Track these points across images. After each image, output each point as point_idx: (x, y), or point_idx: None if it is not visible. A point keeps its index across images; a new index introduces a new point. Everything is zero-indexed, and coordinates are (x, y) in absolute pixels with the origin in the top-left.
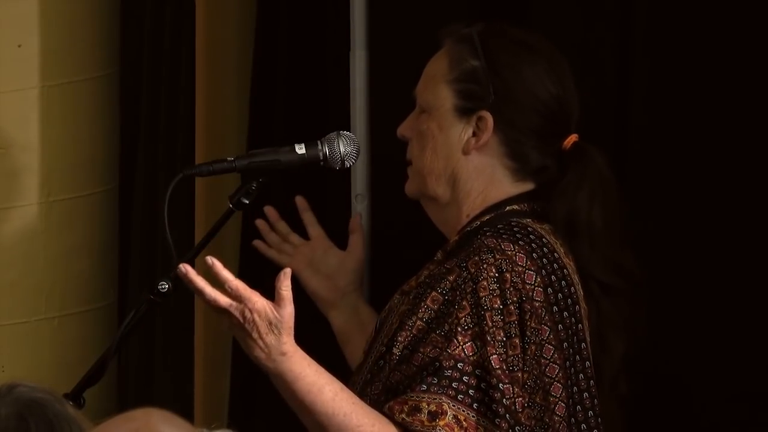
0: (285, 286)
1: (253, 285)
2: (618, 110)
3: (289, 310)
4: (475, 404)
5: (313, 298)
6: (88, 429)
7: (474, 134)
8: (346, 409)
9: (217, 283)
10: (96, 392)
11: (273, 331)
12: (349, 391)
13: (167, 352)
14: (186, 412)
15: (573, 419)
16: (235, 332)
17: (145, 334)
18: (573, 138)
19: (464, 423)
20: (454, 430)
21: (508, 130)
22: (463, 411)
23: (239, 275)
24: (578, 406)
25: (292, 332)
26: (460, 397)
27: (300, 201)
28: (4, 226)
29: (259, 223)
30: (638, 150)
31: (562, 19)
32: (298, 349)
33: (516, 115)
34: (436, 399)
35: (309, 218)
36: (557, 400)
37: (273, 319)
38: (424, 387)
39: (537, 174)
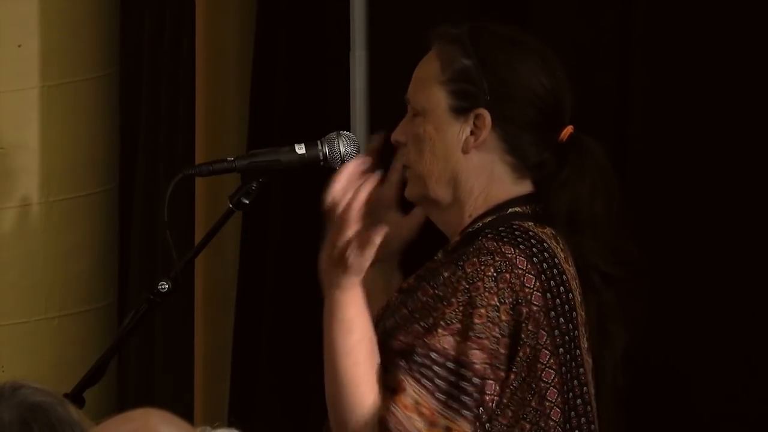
0: (373, 239)
1: (252, 284)
2: (618, 110)
3: (363, 259)
4: (438, 393)
5: None
6: (89, 431)
7: (472, 133)
8: (358, 358)
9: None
10: (96, 392)
11: (341, 265)
12: (375, 349)
13: (167, 352)
14: (186, 413)
15: (568, 425)
16: (326, 239)
17: (145, 335)
18: (569, 129)
19: (423, 408)
20: (407, 409)
21: (506, 126)
22: (425, 396)
23: (239, 275)
24: (572, 412)
25: (358, 279)
26: (424, 381)
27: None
28: (4, 226)
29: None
30: (638, 149)
31: (562, 19)
32: (358, 292)
33: (512, 110)
34: (401, 378)
35: (397, 166)
36: (553, 405)
37: (348, 257)
38: (392, 368)
39: (536, 168)
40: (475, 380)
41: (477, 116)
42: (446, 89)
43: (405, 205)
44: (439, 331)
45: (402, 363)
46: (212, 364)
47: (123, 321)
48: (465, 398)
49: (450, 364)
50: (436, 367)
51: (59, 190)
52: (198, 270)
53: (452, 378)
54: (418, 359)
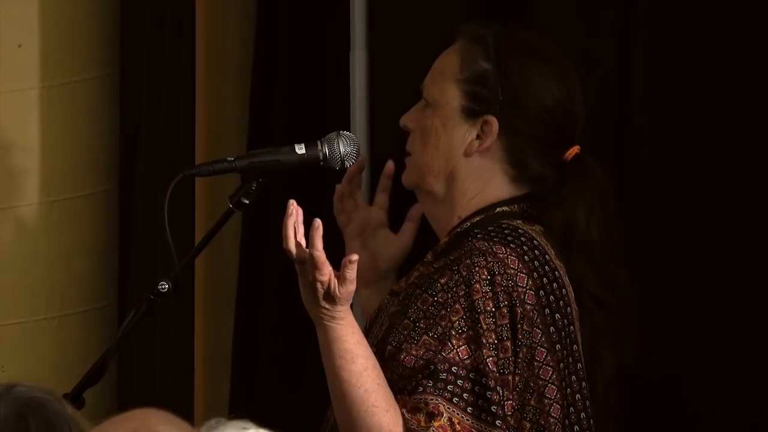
0: (350, 270)
1: (252, 284)
2: (618, 113)
3: (350, 288)
4: (469, 408)
5: None
6: (87, 429)
7: (478, 137)
8: (368, 386)
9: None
10: (96, 392)
11: (330, 300)
12: (381, 373)
13: (167, 352)
14: (186, 412)
15: (567, 421)
16: (303, 282)
17: (145, 335)
18: (575, 150)
19: (457, 426)
20: (444, 430)
21: (512, 137)
22: (458, 414)
23: (239, 275)
24: (571, 408)
25: (349, 304)
26: (455, 400)
27: (389, 165)
28: (4, 226)
29: (357, 166)
30: (638, 153)
31: (562, 20)
32: (351, 318)
33: (521, 122)
34: (433, 400)
35: (385, 184)
36: (552, 402)
37: (333, 292)
38: (421, 389)
39: (535, 182)
40: (498, 388)
41: (485, 122)
42: (461, 88)
43: (395, 223)
44: (453, 341)
45: (429, 384)
46: (212, 364)
47: (123, 321)
48: (493, 408)
49: (472, 375)
50: (460, 381)
51: (59, 190)
52: (198, 270)
53: (477, 389)
54: (443, 376)
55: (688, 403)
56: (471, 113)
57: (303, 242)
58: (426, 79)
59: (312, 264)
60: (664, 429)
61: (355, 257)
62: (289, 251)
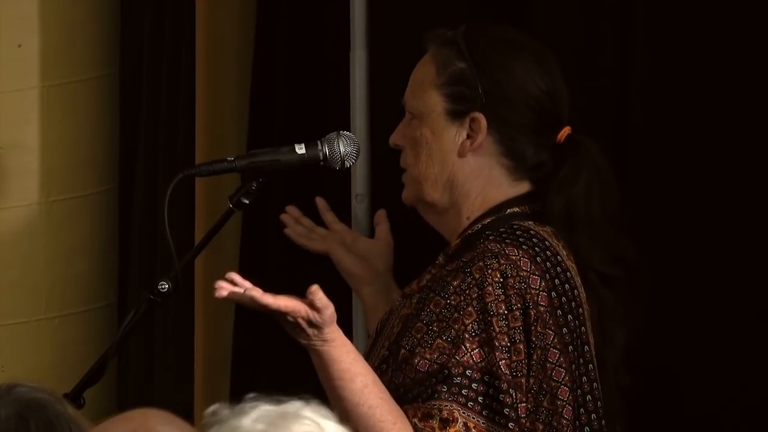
0: (318, 299)
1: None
2: (618, 110)
3: (328, 312)
4: (485, 411)
5: (345, 275)
6: (87, 429)
7: (468, 136)
8: (371, 402)
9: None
10: (96, 392)
11: (314, 326)
12: (381, 386)
13: (167, 352)
14: (186, 412)
15: (578, 422)
16: (282, 321)
17: (145, 334)
18: (566, 130)
19: (473, 430)
20: None
21: (502, 129)
22: (473, 418)
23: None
24: (582, 409)
25: (334, 324)
26: (470, 404)
27: (320, 201)
28: (4, 226)
29: (284, 217)
30: (638, 149)
31: (562, 19)
32: (342, 337)
33: (508, 112)
34: (447, 406)
35: (331, 218)
36: (564, 403)
37: (314, 320)
38: (436, 395)
39: (534, 170)
40: (511, 391)
41: (473, 120)
42: (442, 93)
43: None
44: (467, 344)
45: (443, 389)
46: (212, 363)
47: (123, 321)
48: (506, 410)
49: (486, 378)
50: (474, 385)
51: (59, 190)
52: (198, 270)
53: (491, 391)
54: (457, 380)
55: (691, 387)
56: (457, 114)
57: (260, 295)
58: (406, 93)
59: (281, 308)
60: (668, 412)
61: (314, 287)
62: (268, 306)
